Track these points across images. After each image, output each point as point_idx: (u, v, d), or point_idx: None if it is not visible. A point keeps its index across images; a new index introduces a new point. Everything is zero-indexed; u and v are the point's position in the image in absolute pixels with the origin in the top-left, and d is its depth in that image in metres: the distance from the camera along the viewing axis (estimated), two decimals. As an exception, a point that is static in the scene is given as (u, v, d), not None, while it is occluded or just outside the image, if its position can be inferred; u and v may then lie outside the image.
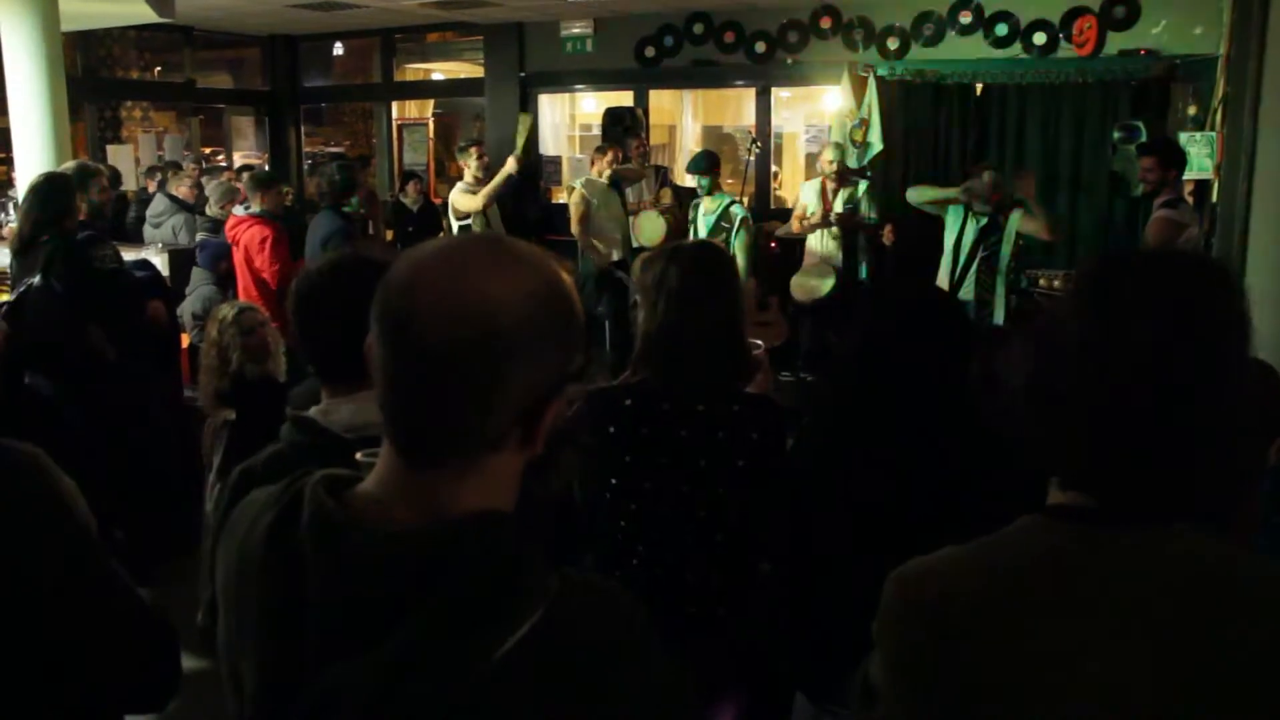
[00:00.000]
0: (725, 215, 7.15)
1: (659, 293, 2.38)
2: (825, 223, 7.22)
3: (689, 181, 7.72)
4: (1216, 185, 6.86)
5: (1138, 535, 1.14)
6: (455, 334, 0.98)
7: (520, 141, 7.61)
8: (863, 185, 7.43)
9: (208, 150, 12.67)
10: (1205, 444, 1.11)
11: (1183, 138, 7.12)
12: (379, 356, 1.04)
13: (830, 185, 7.33)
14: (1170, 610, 1.11)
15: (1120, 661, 1.10)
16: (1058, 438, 1.17)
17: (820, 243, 7.34)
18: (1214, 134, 6.97)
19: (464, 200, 7.43)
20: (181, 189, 8.46)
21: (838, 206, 7.20)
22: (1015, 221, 6.05)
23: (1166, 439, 1.11)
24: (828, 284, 7.13)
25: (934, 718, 1.16)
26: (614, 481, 2.38)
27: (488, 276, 1.01)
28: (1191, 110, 7.67)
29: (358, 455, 1.13)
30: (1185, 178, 7.12)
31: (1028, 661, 1.11)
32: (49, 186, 4.79)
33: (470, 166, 7.57)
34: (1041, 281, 7.05)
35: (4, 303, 4.70)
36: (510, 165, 7.23)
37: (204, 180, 8.96)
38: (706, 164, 7.28)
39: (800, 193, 7.83)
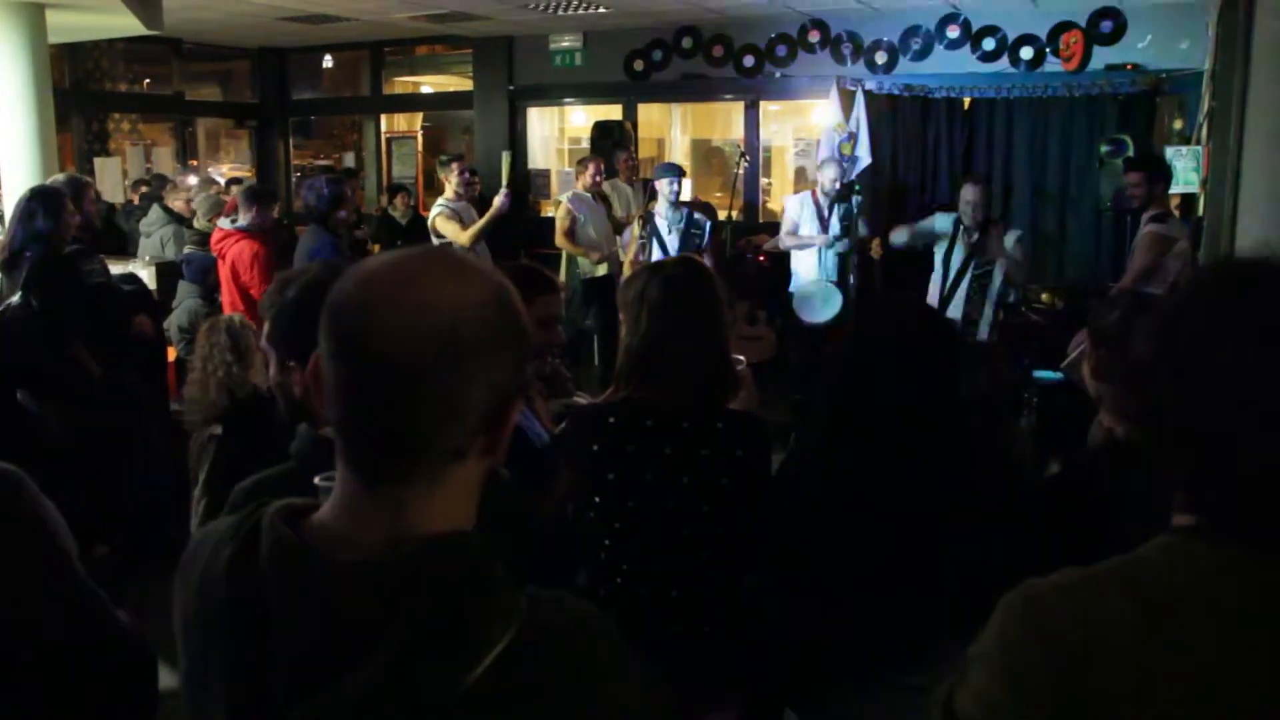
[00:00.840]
0: (694, 223, 7.07)
1: (640, 306, 2.38)
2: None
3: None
4: (1202, 199, 6.90)
5: None
6: (417, 344, 0.97)
7: (505, 177, 7.50)
8: (857, 201, 7.39)
9: (195, 163, 12.64)
10: None
11: (1169, 152, 7.16)
12: (332, 375, 1.02)
13: (823, 201, 7.21)
14: None
15: (1270, 686, 1.03)
16: (1211, 473, 1.10)
17: (819, 262, 7.17)
18: (1200, 148, 7.01)
19: (449, 228, 7.12)
20: (178, 203, 8.45)
21: (834, 225, 7.15)
22: (1010, 241, 6.10)
23: None
24: (835, 304, 7.07)
25: None
26: (598, 499, 2.37)
27: (442, 285, 1.01)
28: (1177, 124, 7.73)
29: (316, 480, 1.11)
30: (1172, 191, 7.16)
31: (1178, 692, 1.04)
32: (36, 201, 4.75)
33: (451, 182, 7.39)
34: (1043, 297, 7.10)
35: None
36: (498, 204, 7.04)
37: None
38: (673, 170, 7.18)
39: (785, 206, 7.74)
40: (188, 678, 1.10)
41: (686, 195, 7.64)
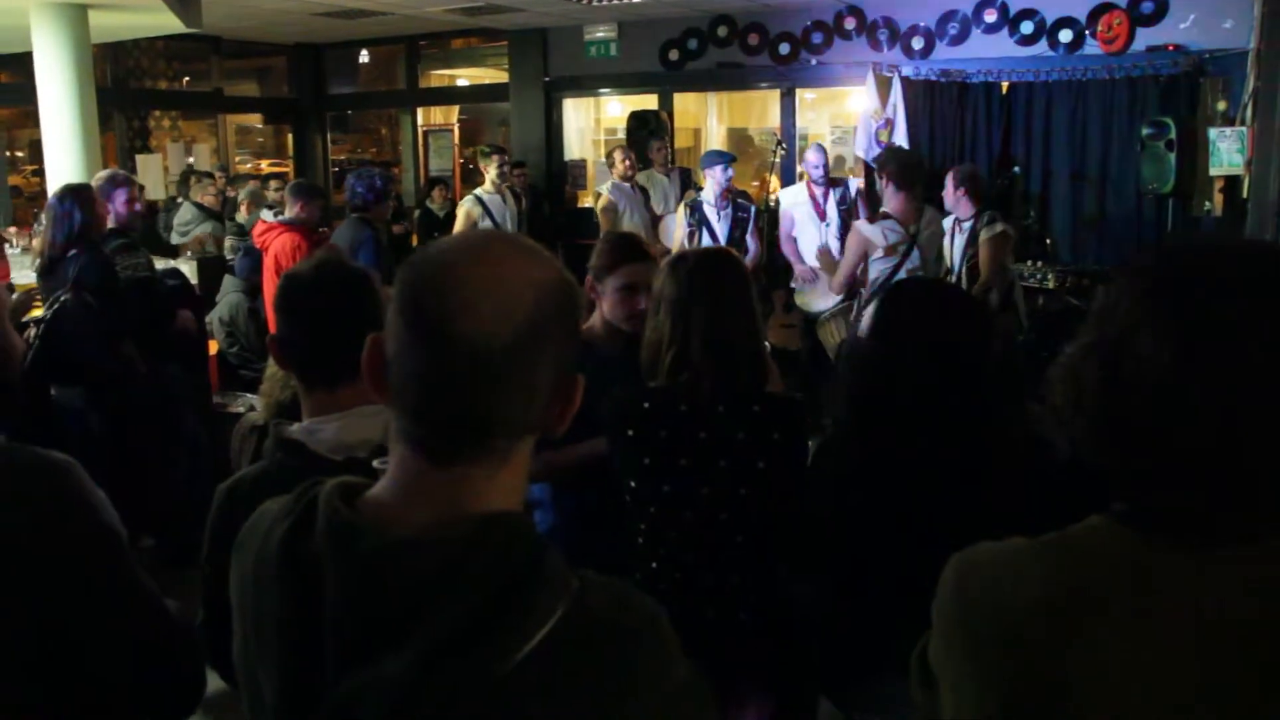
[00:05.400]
0: (740, 207, 7.06)
1: (658, 300, 2.39)
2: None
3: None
4: (1247, 180, 6.80)
5: (1214, 555, 1.06)
6: (506, 325, 1.00)
7: None
8: (854, 184, 7.33)
9: (236, 159, 12.79)
10: None
11: (1212, 133, 7.05)
12: (410, 358, 1.02)
13: (818, 189, 7.17)
14: (1245, 639, 1.03)
15: (1182, 687, 1.04)
16: (1123, 457, 1.10)
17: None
18: (1245, 129, 6.90)
19: (460, 212, 7.61)
20: (207, 197, 8.52)
21: (831, 209, 7.11)
22: (983, 235, 5.98)
23: (1256, 465, 1.03)
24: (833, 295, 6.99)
25: (985, 706, 1.13)
26: (633, 485, 2.38)
27: (519, 267, 1.04)
28: (1221, 105, 7.59)
29: (375, 463, 1.13)
30: (1215, 173, 7.05)
31: (1086, 669, 1.06)
32: (72, 199, 4.80)
33: (489, 173, 7.58)
34: (1083, 282, 7.05)
35: (38, 318, 4.73)
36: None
37: (228, 190, 9.04)
38: (726, 157, 7.17)
39: (781, 200, 7.62)
40: (242, 650, 1.12)
41: (716, 184, 7.64)
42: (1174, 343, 1.04)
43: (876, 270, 5.51)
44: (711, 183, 7.00)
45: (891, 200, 5.52)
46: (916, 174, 5.65)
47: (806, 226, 7.19)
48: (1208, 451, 1.04)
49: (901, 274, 5.38)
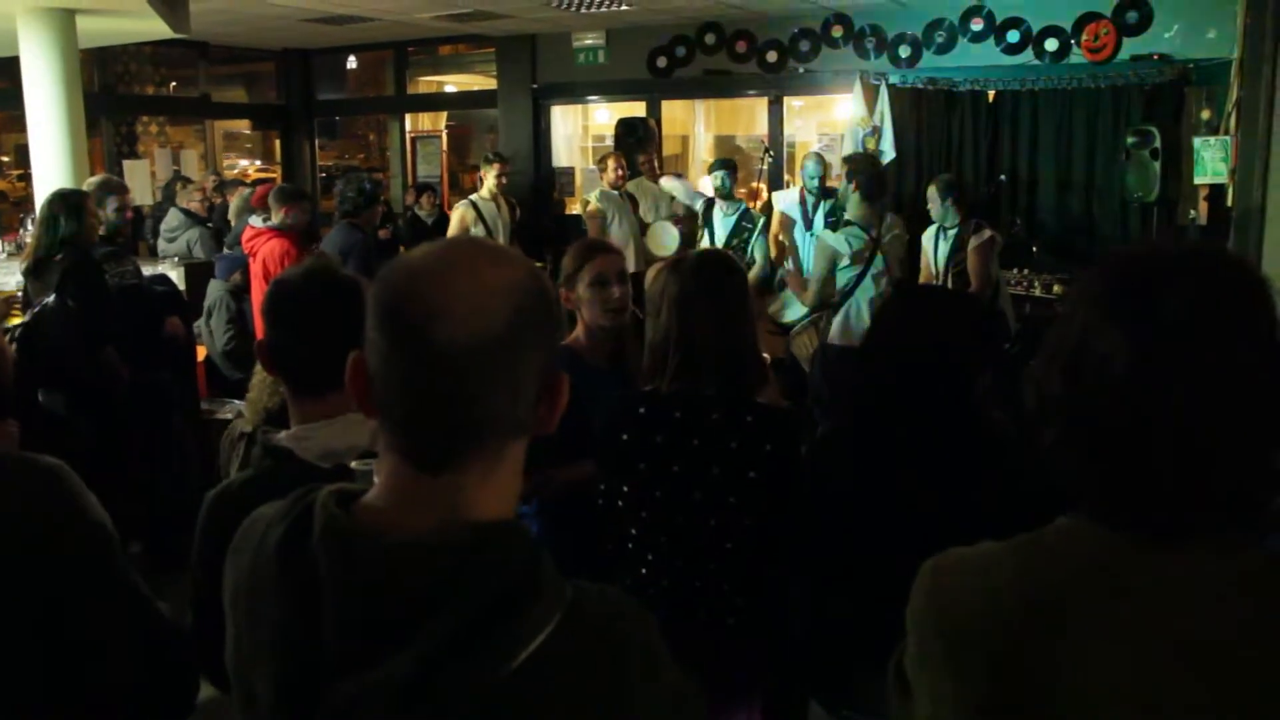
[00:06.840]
0: (746, 216, 7.19)
1: (660, 302, 2.40)
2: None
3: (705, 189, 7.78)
4: (1231, 189, 6.85)
5: (1187, 551, 1.08)
6: (486, 327, 1.00)
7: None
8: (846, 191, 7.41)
9: (224, 165, 12.75)
10: (1256, 456, 1.06)
11: (1196, 142, 7.10)
12: (390, 366, 1.03)
13: (809, 199, 7.22)
14: (1221, 632, 1.05)
15: (1159, 681, 1.05)
16: (1092, 461, 1.11)
17: (806, 258, 7.12)
18: (1228, 138, 6.95)
19: (458, 218, 7.62)
20: (192, 203, 8.49)
21: (819, 221, 7.14)
22: (972, 243, 6.00)
23: (1221, 457, 1.05)
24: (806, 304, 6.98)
25: (961, 711, 1.14)
26: (626, 489, 2.39)
27: (493, 269, 1.04)
28: (1205, 114, 7.65)
29: (353, 464, 1.13)
30: (1199, 182, 7.11)
31: (1063, 669, 1.07)
32: (61, 205, 4.80)
33: (488, 179, 7.62)
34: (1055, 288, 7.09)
35: (18, 324, 4.72)
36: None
37: (213, 196, 9.01)
38: (726, 165, 7.33)
39: (775, 201, 7.73)
40: (235, 654, 1.12)
41: (709, 192, 7.74)
42: (1128, 345, 1.06)
43: (844, 279, 5.62)
44: (712, 189, 7.28)
45: (856, 207, 5.71)
46: (884, 189, 5.93)
47: (792, 234, 7.31)
48: (1167, 450, 1.06)
49: (868, 279, 5.57)
